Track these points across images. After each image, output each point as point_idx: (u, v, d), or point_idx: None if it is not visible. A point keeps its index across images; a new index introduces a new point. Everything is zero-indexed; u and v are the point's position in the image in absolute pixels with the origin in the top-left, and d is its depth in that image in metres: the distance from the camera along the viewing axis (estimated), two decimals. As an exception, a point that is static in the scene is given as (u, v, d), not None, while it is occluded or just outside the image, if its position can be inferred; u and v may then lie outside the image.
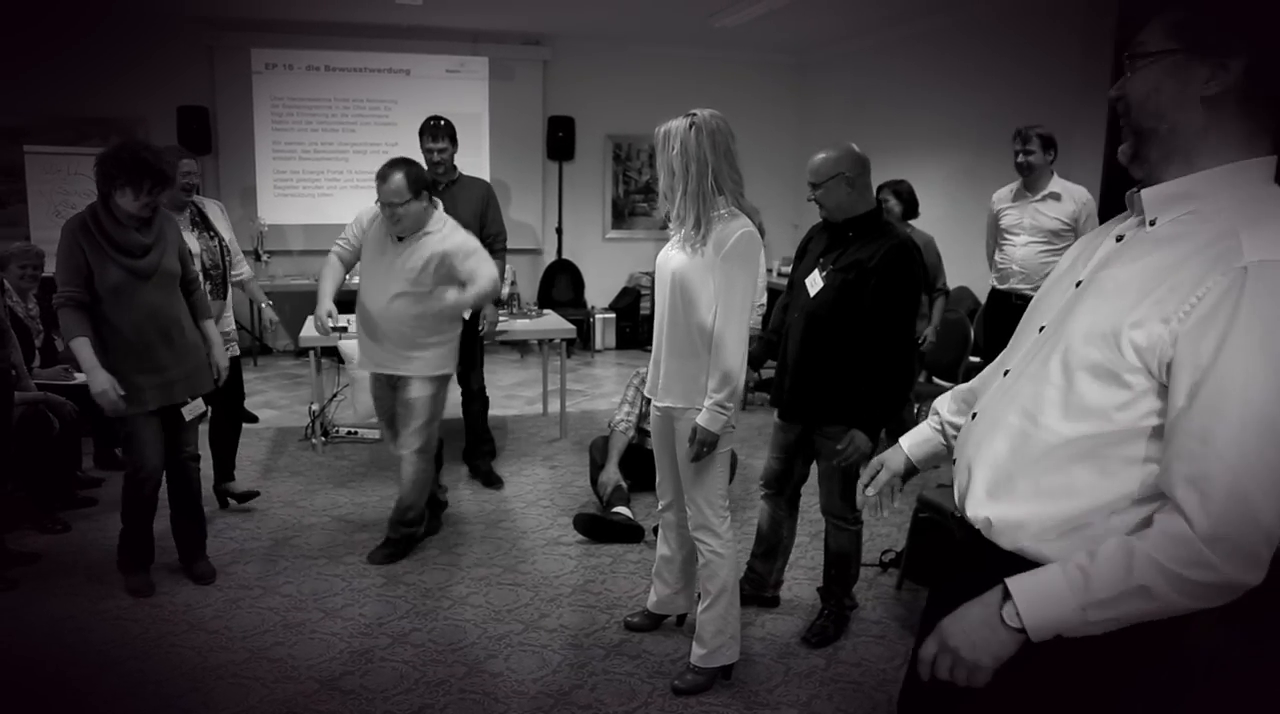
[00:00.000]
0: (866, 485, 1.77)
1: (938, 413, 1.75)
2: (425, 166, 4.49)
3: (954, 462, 1.55)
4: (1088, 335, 1.27)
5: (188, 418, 3.51)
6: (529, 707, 2.82)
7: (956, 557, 1.49)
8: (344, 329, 4.48)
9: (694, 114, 2.64)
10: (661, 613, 3.26)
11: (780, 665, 3.08)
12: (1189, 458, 1.15)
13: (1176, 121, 1.25)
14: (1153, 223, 1.28)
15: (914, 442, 1.78)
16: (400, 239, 3.64)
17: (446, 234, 3.67)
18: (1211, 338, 1.14)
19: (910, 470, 1.78)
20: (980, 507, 1.41)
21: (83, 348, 3.24)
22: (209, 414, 4.10)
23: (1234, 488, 1.11)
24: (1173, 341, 1.17)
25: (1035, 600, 1.22)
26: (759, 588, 3.46)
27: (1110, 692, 1.35)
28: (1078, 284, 1.37)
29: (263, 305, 4.60)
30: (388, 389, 3.87)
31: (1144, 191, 1.30)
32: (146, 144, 3.37)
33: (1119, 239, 1.34)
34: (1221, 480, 1.11)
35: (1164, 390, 1.20)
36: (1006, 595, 1.25)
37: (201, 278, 4.00)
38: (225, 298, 4.18)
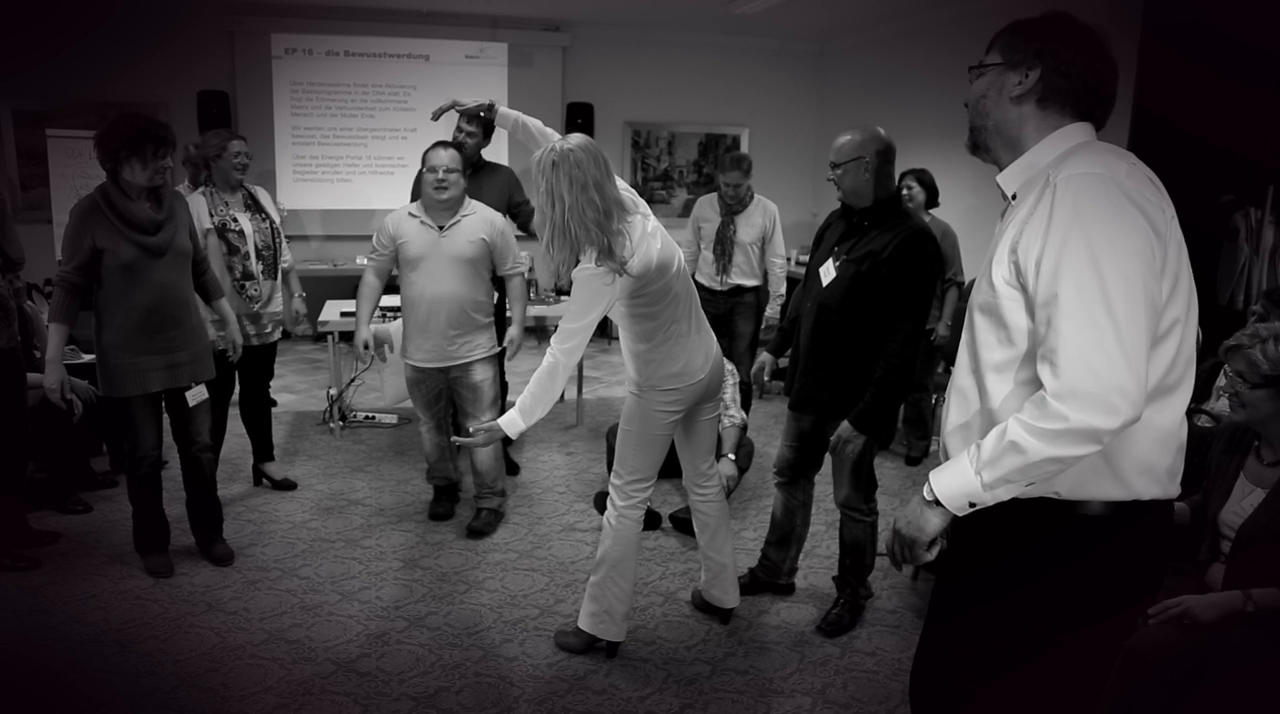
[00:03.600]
0: None
1: None
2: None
3: None
4: (977, 287, 1.59)
5: (192, 404, 3.50)
6: (544, 691, 2.83)
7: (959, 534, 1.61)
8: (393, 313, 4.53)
9: (554, 148, 2.60)
10: (705, 598, 3.30)
11: (795, 654, 3.08)
12: (1041, 341, 1.43)
13: (998, 119, 1.61)
14: (1014, 197, 1.59)
15: None
16: (442, 228, 3.76)
17: (484, 213, 3.87)
18: (1038, 244, 1.43)
19: None
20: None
21: (55, 335, 3.27)
22: (224, 396, 4.13)
23: (1071, 353, 1.36)
24: (1020, 261, 1.46)
25: (945, 476, 1.51)
26: (773, 575, 3.46)
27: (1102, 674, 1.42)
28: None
29: (295, 295, 4.59)
30: (438, 380, 3.96)
31: (999, 177, 1.63)
32: (140, 113, 3.35)
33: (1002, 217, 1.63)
34: (1062, 350, 1.37)
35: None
36: (929, 479, 1.54)
37: (254, 258, 4.05)
38: (275, 279, 4.22)
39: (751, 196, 5.15)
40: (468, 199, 3.85)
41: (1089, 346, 1.35)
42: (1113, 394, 1.34)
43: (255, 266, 4.06)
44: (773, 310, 5.30)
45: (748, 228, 5.12)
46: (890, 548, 1.62)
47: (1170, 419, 1.51)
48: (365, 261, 3.92)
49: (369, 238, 8.62)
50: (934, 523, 1.52)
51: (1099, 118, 1.58)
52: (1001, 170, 1.63)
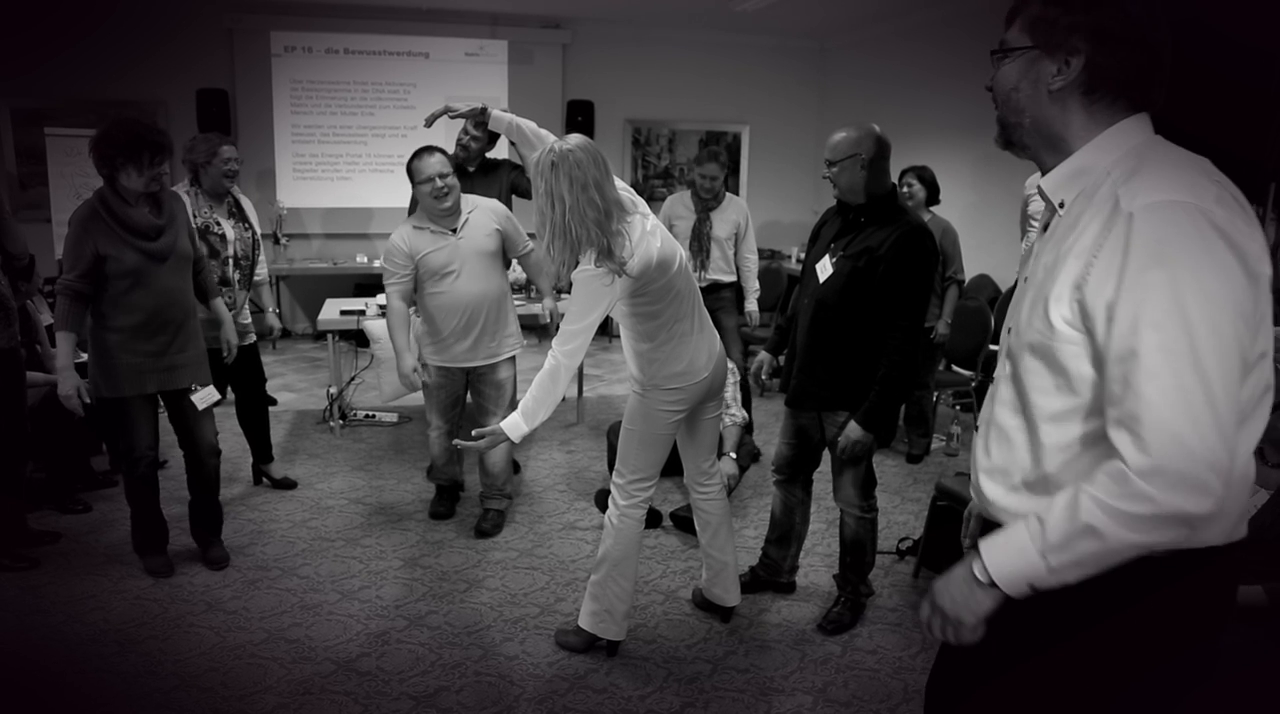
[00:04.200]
0: None
1: None
2: (452, 146, 4.56)
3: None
4: (1028, 321, 1.36)
5: (200, 407, 3.47)
6: (544, 690, 2.83)
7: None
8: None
9: (554, 149, 2.59)
10: (706, 596, 3.29)
11: (796, 652, 3.08)
12: (1115, 402, 1.21)
13: (1036, 116, 1.38)
14: (1062, 205, 1.38)
15: None
16: (454, 232, 3.72)
17: (484, 204, 3.87)
18: (1110, 287, 1.21)
19: None
20: (989, 505, 1.46)
21: (65, 343, 3.22)
22: (224, 398, 4.11)
23: (1157, 423, 1.16)
24: (1086, 303, 1.25)
25: (1001, 554, 1.29)
26: (774, 573, 3.45)
27: (1119, 684, 1.35)
28: (1025, 281, 1.45)
29: (269, 310, 4.50)
30: (460, 382, 3.95)
31: (1042, 181, 1.41)
32: (138, 119, 3.32)
33: (1045, 229, 1.43)
34: (1145, 418, 1.17)
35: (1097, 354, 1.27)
36: (980, 554, 1.33)
37: (232, 267, 4.03)
38: (248, 290, 4.20)
39: (724, 193, 5.22)
40: (464, 195, 3.82)
41: (1177, 415, 1.15)
42: (1205, 472, 1.15)
43: (232, 273, 4.04)
44: (751, 305, 5.37)
45: (723, 224, 5.22)
46: (928, 622, 1.42)
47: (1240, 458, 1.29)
48: (385, 288, 3.81)
49: (369, 237, 8.68)
50: (985, 605, 1.32)
51: (1155, 100, 1.36)
52: (1043, 172, 1.42)
